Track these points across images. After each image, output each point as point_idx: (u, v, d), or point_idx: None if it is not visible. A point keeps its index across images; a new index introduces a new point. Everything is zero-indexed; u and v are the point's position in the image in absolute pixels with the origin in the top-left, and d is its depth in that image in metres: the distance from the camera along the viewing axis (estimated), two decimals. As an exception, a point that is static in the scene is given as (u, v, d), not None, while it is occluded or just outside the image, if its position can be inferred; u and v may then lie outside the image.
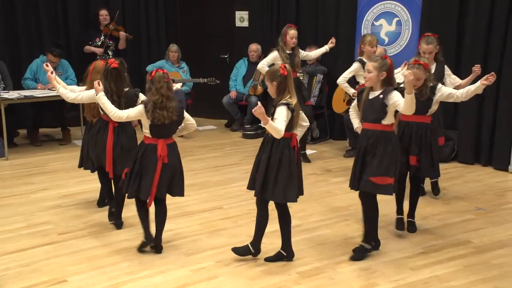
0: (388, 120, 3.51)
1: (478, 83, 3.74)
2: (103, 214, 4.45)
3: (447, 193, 4.99)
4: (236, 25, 8.05)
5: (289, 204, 3.60)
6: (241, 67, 7.67)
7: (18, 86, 6.76)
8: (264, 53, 7.58)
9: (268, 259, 3.61)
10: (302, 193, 3.57)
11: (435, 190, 4.86)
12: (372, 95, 3.54)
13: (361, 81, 4.99)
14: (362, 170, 3.55)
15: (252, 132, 7.18)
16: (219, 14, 8.13)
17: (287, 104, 3.32)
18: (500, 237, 4.04)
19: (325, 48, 5.99)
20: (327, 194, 4.96)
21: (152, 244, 3.73)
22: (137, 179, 3.60)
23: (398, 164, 3.58)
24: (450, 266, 3.58)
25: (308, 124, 3.64)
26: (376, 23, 6.62)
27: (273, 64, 5.75)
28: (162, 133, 3.58)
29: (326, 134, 7.12)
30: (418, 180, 4.13)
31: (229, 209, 4.61)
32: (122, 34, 7.31)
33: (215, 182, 5.33)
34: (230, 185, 5.26)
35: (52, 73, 3.97)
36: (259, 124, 7.20)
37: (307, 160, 6.03)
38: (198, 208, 4.59)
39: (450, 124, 5.94)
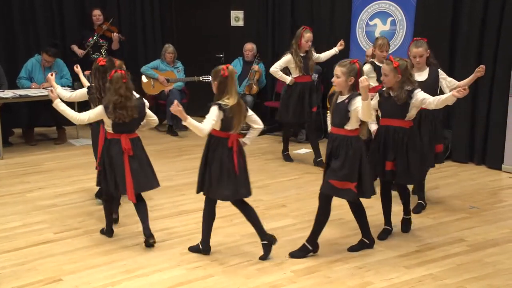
0: (352, 125, 3.47)
1: (449, 94, 3.59)
2: (99, 213, 4.45)
3: (441, 192, 5.02)
4: (232, 25, 8.06)
5: (284, 203, 3.61)
6: (236, 67, 7.66)
7: (13, 85, 6.75)
8: (259, 53, 7.61)
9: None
10: (248, 194, 3.59)
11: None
12: (340, 99, 3.53)
13: (372, 83, 4.77)
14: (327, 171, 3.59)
15: (247, 132, 7.17)
16: (214, 14, 8.13)
17: (219, 104, 3.41)
18: (494, 236, 4.07)
19: (335, 50, 5.90)
20: (322, 193, 4.99)
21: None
22: (112, 175, 3.74)
23: (366, 170, 3.50)
24: (444, 265, 3.60)
25: (260, 127, 3.69)
26: (371, 23, 6.64)
27: (286, 68, 5.71)
28: (124, 129, 3.72)
29: (321, 133, 7.14)
30: (399, 186, 4.03)
31: (224, 208, 4.61)
32: (115, 35, 7.32)
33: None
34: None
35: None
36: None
37: (290, 159, 6.03)
38: (193, 207, 4.60)
39: (444, 123, 5.96)
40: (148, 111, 3.88)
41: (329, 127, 3.74)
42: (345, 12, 6.84)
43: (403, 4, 6.35)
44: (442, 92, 4.31)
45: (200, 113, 4.12)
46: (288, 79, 5.72)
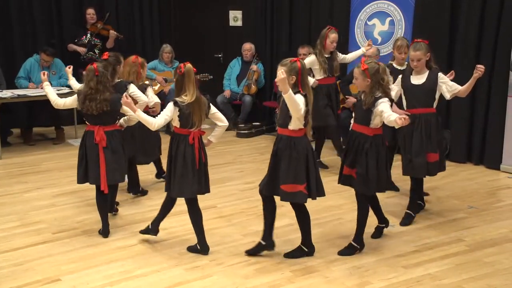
0: (294, 125, 3.40)
1: (393, 118, 3.36)
2: (97, 213, 4.44)
3: (440, 192, 5.02)
4: (230, 25, 8.06)
5: (283, 203, 3.62)
6: (234, 66, 7.68)
7: (12, 86, 6.74)
8: (258, 53, 7.61)
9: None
10: (205, 191, 3.71)
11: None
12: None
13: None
14: (273, 174, 3.51)
15: (246, 131, 7.20)
16: (213, 14, 8.13)
17: (175, 101, 3.52)
18: (492, 236, 4.07)
19: (362, 51, 5.67)
20: (321, 193, 4.99)
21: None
22: (82, 165, 3.93)
23: (314, 171, 3.44)
24: (443, 264, 3.60)
25: (224, 124, 3.72)
26: (369, 23, 6.64)
27: (310, 69, 5.45)
28: (97, 121, 3.88)
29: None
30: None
31: (222, 208, 4.63)
32: (113, 33, 7.31)
33: (210, 181, 5.33)
34: (223, 184, 5.27)
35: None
36: (253, 123, 7.26)
37: (324, 166, 5.70)
38: (192, 207, 4.60)
39: (443, 124, 5.96)
40: (126, 108, 3.78)
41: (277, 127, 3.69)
42: (343, 12, 6.85)
43: (401, 4, 6.36)
44: (443, 96, 4.22)
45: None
46: (311, 81, 5.33)
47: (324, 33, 5.41)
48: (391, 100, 3.59)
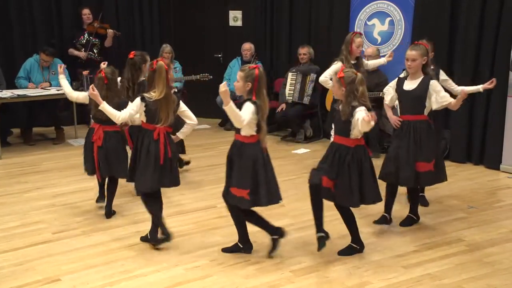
0: (245, 131, 3.41)
1: (362, 115, 3.33)
2: (97, 213, 4.45)
3: (440, 192, 5.02)
4: (230, 25, 8.06)
5: (282, 203, 3.62)
6: (234, 66, 7.67)
7: (12, 86, 6.74)
8: (257, 52, 7.61)
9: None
10: (172, 185, 3.78)
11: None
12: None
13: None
14: (227, 179, 3.56)
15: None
16: (212, 14, 8.13)
17: (142, 96, 3.63)
18: (492, 235, 4.08)
19: (383, 61, 5.47)
20: (321, 193, 4.99)
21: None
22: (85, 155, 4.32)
23: (263, 178, 3.43)
24: (442, 264, 3.61)
25: (193, 123, 3.80)
26: (369, 23, 6.65)
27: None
28: (99, 121, 4.13)
29: (319, 133, 7.15)
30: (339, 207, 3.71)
31: (222, 208, 4.60)
32: (110, 31, 7.31)
33: (209, 181, 5.34)
34: (223, 184, 5.25)
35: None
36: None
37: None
38: (192, 207, 4.60)
39: (443, 124, 5.97)
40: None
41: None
42: (343, 12, 6.85)
43: (401, 4, 6.36)
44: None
45: (198, 113, 4.14)
46: None
47: (349, 38, 5.17)
48: (369, 109, 3.46)
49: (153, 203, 3.81)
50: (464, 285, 3.35)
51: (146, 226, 4.14)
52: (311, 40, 7.19)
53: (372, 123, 3.26)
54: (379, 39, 6.58)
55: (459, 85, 4.62)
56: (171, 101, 3.66)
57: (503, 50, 5.56)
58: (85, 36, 7.34)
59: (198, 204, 4.70)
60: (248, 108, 3.36)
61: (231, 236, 3.99)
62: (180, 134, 3.87)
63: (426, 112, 3.99)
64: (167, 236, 3.75)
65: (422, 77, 3.97)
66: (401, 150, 3.97)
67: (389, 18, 6.49)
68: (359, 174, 3.51)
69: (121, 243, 3.90)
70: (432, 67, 4.36)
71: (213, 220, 4.34)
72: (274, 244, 3.68)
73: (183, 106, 3.79)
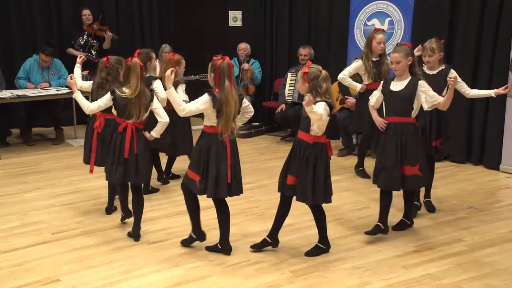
0: (205, 121, 3.56)
1: (319, 109, 3.37)
2: (97, 213, 4.45)
3: (439, 192, 5.02)
4: (230, 25, 8.06)
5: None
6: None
7: (11, 86, 6.74)
8: (254, 52, 7.60)
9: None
10: (136, 181, 3.88)
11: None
12: None
13: None
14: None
15: (245, 132, 7.20)
16: (212, 14, 8.13)
17: (113, 91, 3.76)
18: (491, 236, 4.08)
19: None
20: (320, 193, 4.99)
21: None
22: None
23: (214, 169, 3.48)
24: (442, 264, 3.61)
25: (164, 121, 3.83)
26: (369, 23, 6.65)
27: (357, 75, 5.20)
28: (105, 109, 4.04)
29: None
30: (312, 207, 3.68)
31: (222, 208, 4.62)
32: (109, 34, 7.32)
33: (209, 181, 5.34)
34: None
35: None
36: (253, 124, 7.27)
37: (366, 175, 5.23)
38: (191, 207, 4.60)
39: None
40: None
41: None
42: (343, 13, 6.85)
43: (401, 5, 6.36)
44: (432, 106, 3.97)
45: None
46: (358, 87, 5.17)
47: (370, 35, 5.05)
48: (331, 107, 3.45)
49: (122, 193, 4.04)
50: (463, 285, 3.35)
51: (145, 226, 4.14)
52: (311, 40, 7.19)
53: (313, 108, 3.28)
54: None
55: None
56: (144, 98, 3.75)
57: (503, 50, 5.56)
58: (84, 37, 7.35)
59: (197, 204, 4.70)
60: (200, 99, 3.49)
61: (231, 236, 3.98)
62: (153, 132, 3.88)
63: (413, 114, 3.86)
64: (126, 215, 4.11)
65: (409, 78, 3.84)
66: (388, 153, 3.86)
67: (388, 19, 6.49)
68: (313, 172, 3.49)
69: (120, 243, 3.89)
70: (443, 67, 4.31)
71: (212, 221, 4.32)
72: (189, 241, 3.79)
73: (155, 103, 3.85)
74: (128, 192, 4.03)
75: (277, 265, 3.58)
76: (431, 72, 4.31)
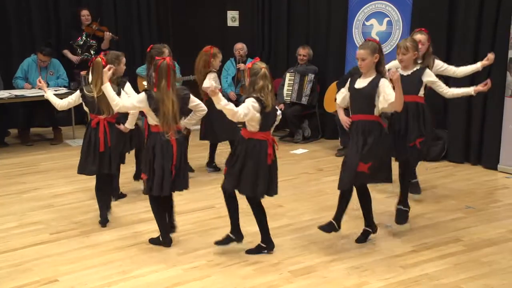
0: (149, 120, 3.69)
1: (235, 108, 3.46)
2: (95, 213, 4.45)
3: (437, 191, 5.03)
4: (228, 25, 8.06)
5: (281, 203, 3.62)
6: (229, 69, 7.67)
7: (9, 86, 6.73)
8: (252, 52, 7.60)
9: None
10: (108, 170, 4.08)
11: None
12: None
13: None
14: None
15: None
16: (210, 14, 8.14)
17: (82, 88, 4.02)
18: (490, 235, 4.08)
19: (476, 66, 4.69)
20: (319, 193, 4.99)
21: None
22: None
23: (158, 167, 3.61)
24: (440, 264, 3.61)
25: (132, 113, 4.00)
26: (367, 23, 6.65)
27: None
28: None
29: (318, 133, 7.16)
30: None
31: (221, 208, 4.61)
32: (108, 34, 7.31)
33: (207, 181, 5.34)
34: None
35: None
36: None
37: (417, 191, 4.78)
38: (190, 207, 4.60)
39: (440, 123, 5.98)
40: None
41: None
42: (341, 13, 6.86)
43: (399, 5, 6.37)
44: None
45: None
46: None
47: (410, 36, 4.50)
48: (261, 103, 3.46)
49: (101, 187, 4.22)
50: (462, 285, 3.36)
51: (144, 227, 4.15)
52: (309, 40, 7.20)
53: (219, 102, 3.35)
54: (377, 40, 6.58)
55: (457, 86, 4.45)
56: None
57: (501, 50, 5.56)
58: (83, 37, 7.35)
59: (196, 204, 4.70)
60: (137, 96, 3.71)
61: (229, 236, 3.99)
62: (127, 124, 4.08)
63: (376, 112, 3.70)
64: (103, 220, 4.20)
65: (374, 75, 3.70)
66: (349, 152, 3.78)
67: (387, 19, 6.49)
68: (241, 166, 3.53)
69: (119, 244, 3.89)
70: (418, 67, 4.11)
71: (211, 221, 4.34)
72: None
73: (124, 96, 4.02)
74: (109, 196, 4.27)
75: (275, 265, 3.58)
76: (404, 73, 4.07)
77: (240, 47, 7.49)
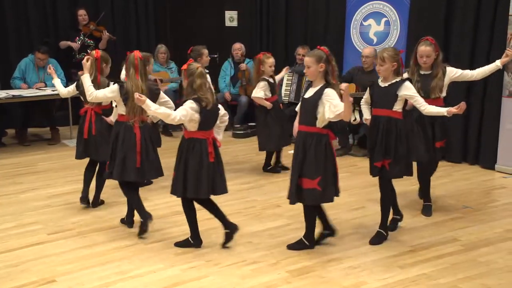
0: (119, 110, 3.94)
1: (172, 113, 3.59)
2: (93, 214, 4.45)
3: (435, 191, 5.03)
4: (226, 25, 8.06)
5: (279, 203, 3.61)
6: (227, 69, 7.67)
7: (6, 86, 6.72)
8: (251, 52, 7.59)
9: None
10: (93, 157, 4.43)
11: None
12: None
13: None
14: None
15: (242, 132, 7.20)
16: (208, 14, 8.13)
17: (77, 79, 4.36)
18: (487, 235, 4.09)
19: (496, 65, 4.43)
20: (317, 193, 4.99)
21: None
22: None
23: (115, 152, 3.87)
24: (438, 264, 3.62)
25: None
26: (365, 23, 6.66)
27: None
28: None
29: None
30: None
31: (220, 208, 4.62)
32: (106, 35, 7.31)
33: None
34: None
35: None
36: (249, 124, 7.27)
37: (429, 212, 4.49)
38: (188, 207, 4.60)
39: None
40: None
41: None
42: (339, 13, 6.87)
43: (397, 5, 6.38)
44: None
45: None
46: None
47: (415, 48, 4.26)
48: (200, 104, 3.49)
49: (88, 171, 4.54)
50: (459, 284, 3.36)
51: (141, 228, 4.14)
52: (307, 40, 7.20)
53: (146, 107, 3.47)
54: (375, 40, 6.60)
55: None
56: (101, 86, 4.08)
57: (498, 50, 5.56)
58: (80, 37, 7.34)
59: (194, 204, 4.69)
60: (110, 88, 3.90)
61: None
62: (111, 117, 4.22)
63: (319, 124, 3.51)
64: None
65: (321, 85, 3.52)
66: (292, 165, 3.65)
67: (385, 19, 6.50)
68: (184, 166, 3.60)
69: (117, 244, 3.89)
70: (397, 79, 3.79)
71: (209, 220, 4.32)
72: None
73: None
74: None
75: (273, 265, 3.58)
76: (382, 84, 3.84)
77: (238, 47, 7.49)
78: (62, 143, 6.83)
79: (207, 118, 3.57)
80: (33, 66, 6.78)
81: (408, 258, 3.69)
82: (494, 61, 5.57)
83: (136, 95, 3.47)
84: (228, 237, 3.79)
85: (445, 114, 3.83)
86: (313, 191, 3.55)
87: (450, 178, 5.49)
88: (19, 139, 6.85)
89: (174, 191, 3.70)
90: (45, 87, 6.73)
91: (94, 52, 4.28)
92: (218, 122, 3.71)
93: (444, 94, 4.23)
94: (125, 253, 3.75)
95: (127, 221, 4.17)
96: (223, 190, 3.71)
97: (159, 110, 3.50)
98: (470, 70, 4.56)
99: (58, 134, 6.92)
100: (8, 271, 3.49)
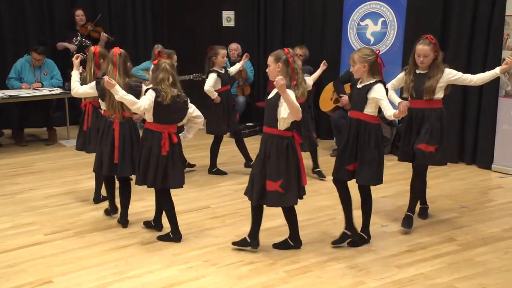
0: (101, 106, 4.07)
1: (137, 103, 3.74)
2: (90, 214, 4.44)
3: (432, 191, 5.04)
4: (223, 25, 8.05)
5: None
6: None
7: (2, 86, 6.70)
8: (247, 52, 7.58)
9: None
10: (88, 151, 4.55)
11: None
12: None
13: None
14: None
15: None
16: (206, 14, 8.13)
17: (82, 72, 4.39)
18: (484, 235, 4.10)
19: (495, 72, 4.10)
20: (314, 193, 4.98)
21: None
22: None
23: (101, 148, 4.00)
24: (435, 264, 3.62)
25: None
26: (362, 23, 6.67)
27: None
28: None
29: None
30: None
31: (216, 208, 4.62)
32: (104, 35, 7.30)
33: (203, 182, 5.34)
34: (217, 184, 5.27)
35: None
36: (247, 124, 7.26)
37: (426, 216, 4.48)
38: (185, 207, 4.59)
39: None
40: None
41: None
42: (336, 13, 6.87)
43: (394, 5, 6.39)
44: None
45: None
46: (396, 101, 3.96)
47: (414, 47, 4.09)
48: (157, 94, 3.65)
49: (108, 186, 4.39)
50: (456, 284, 3.37)
51: (139, 227, 4.13)
52: (304, 41, 7.20)
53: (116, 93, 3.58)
54: (372, 40, 6.60)
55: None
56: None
57: (495, 50, 5.59)
58: (77, 37, 7.32)
59: (191, 205, 4.69)
60: (90, 84, 4.03)
61: (225, 236, 3.99)
62: (102, 106, 4.19)
63: (280, 126, 3.45)
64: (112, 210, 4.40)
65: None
66: (255, 165, 3.62)
67: (382, 19, 6.51)
68: (147, 155, 3.71)
69: (114, 244, 3.88)
70: (372, 81, 3.63)
71: (206, 221, 4.33)
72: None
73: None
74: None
75: (271, 265, 3.58)
76: (358, 86, 3.71)
77: (235, 48, 7.48)
78: (59, 143, 6.82)
79: (162, 112, 3.68)
80: (29, 66, 6.77)
81: (406, 258, 3.70)
82: (490, 62, 5.63)
83: (106, 78, 3.59)
84: (149, 225, 4.12)
85: (393, 117, 3.55)
86: (275, 193, 3.51)
87: (447, 178, 5.50)
88: (16, 140, 6.83)
89: (137, 181, 3.85)
90: (41, 87, 6.71)
91: (92, 48, 4.37)
92: (187, 121, 3.86)
93: (439, 96, 4.05)
94: (123, 253, 3.75)
95: (121, 221, 4.17)
96: (176, 184, 3.80)
97: (126, 96, 3.64)
98: (468, 71, 4.55)
99: (55, 134, 6.91)
100: (4, 272, 3.48)
